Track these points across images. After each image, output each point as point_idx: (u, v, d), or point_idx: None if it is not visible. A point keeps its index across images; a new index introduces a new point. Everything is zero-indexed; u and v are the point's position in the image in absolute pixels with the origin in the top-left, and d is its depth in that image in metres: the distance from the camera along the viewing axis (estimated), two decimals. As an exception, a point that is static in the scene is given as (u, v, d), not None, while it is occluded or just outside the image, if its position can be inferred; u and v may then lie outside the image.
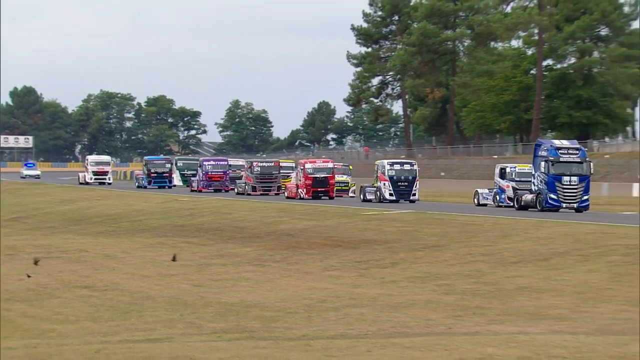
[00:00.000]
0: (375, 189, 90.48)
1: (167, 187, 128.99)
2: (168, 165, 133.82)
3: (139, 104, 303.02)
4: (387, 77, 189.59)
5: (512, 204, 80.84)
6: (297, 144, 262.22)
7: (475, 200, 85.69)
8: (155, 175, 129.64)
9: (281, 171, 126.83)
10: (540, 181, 73.28)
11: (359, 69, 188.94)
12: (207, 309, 44.53)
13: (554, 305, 44.47)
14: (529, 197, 74.74)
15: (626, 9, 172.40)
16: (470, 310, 43.92)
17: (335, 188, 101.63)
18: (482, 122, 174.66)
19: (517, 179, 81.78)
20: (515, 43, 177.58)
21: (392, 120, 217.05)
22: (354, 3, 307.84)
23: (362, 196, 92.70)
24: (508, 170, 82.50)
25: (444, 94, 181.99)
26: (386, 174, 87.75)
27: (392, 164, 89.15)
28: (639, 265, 52.04)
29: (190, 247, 69.45)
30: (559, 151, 72.07)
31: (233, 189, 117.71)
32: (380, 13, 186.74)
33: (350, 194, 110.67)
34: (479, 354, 31.86)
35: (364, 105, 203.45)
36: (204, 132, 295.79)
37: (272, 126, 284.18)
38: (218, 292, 50.67)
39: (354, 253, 63.50)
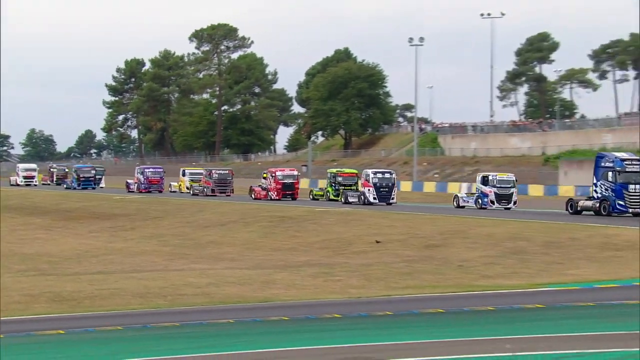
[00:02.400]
0: (358, 193, 70.76)
1: (91, 188, 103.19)
2: (93, 172, 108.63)
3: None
4: (128, 115, 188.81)
5: (493, 206, 63.61)
6: (72, 155, 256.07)
7: (455, 202, 67.12)
8: (84, 179, 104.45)
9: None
10: (606, 189, 55.29)
11: (110, 110, 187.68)
12: (14, 257, 43.87)
13: (229, 252, 44.79)
14: (588, 203, 57.48)
15: (270, 77, 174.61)
16: (179, 255, 43.91)
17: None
18: (186, 143, 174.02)
19: (498, 186, 64.26)
20: (205, 95, 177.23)
21: (131, 142, 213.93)
22: (109, 69, 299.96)
23: (343, 199, 71.49)
24: (490, 177, 64.95)
25: (163, 126, 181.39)
26: (370, 181, 69.15)
27: (375, 173, 70.64)
28: (279, 227, 52.67)
29: (4, 219, 67.38)
30: (625, 162, 55.23)
31: (165, 190, 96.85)
32: (123, 76, 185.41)
33: None
34: (184, 281, 32.02)
35: (114, 132, 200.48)
36: (12, 147, 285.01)
37: (56, 144, 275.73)
38: (21, 246, 50.00)
39: (108, 222, 62.95)
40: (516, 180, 66.10)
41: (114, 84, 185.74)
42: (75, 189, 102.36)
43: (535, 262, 36.33)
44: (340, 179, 75.32)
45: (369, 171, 71.22)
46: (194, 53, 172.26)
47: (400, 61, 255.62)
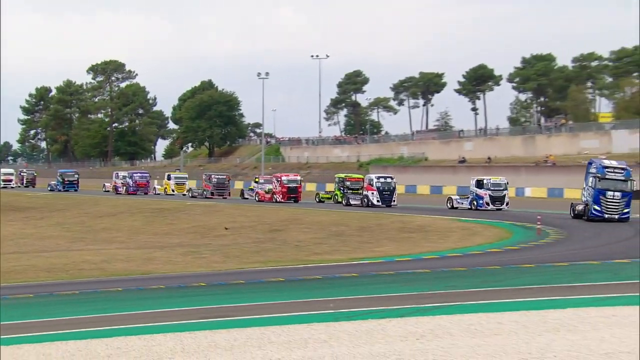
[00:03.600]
0: (361, 196, 59.72)
1: (74, 190, 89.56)
2: (76, 176, 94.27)
3: None
4: (38, 130, 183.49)
5: (489, 208, 53.47)
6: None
7: (449, 204, 56.35)
8: (68, 182, 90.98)
9: None
10: (589, 194, 44.02)
11: (24, 126, 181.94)
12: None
13: (118, 236, 43.95)
14: (580, 207, 47.30)
15: (150, 101, 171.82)
16: (78, 239, 42.88)
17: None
18: (85, 152, 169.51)
19: (492, 188, 54.08)
20: (100, 115, 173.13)
21: (41, 151, 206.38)
22: (23, 93, 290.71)
23: (344, 202, 61.30)
24: (485, 181, 54.23)
25: (66, 138, 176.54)
26: (374, 185, 58.27)
27: (378, 178, 59.69)
28: (158, 217, 51.91)
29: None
30: (606, 169, 43.33)
31: (150, 192, 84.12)
32: (34, 100, 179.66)
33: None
34: (83, 259, 31.39)
35: (26, 143, 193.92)
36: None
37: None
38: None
39: (22, 213, 60.81)
40: (507, 183, 55.78)
41: (27, 105, 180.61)
42: (60, 190, 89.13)
43: (352, 242, 36.90)
44: (348, 183, 63.12)
45: (373, 176, 61.07)
46: (90, 82, 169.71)
47: (252, 90, 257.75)
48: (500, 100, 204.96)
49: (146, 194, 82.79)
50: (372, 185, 58.58)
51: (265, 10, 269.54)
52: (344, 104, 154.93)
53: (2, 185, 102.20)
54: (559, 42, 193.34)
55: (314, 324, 15.52)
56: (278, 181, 66.91)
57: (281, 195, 65.48)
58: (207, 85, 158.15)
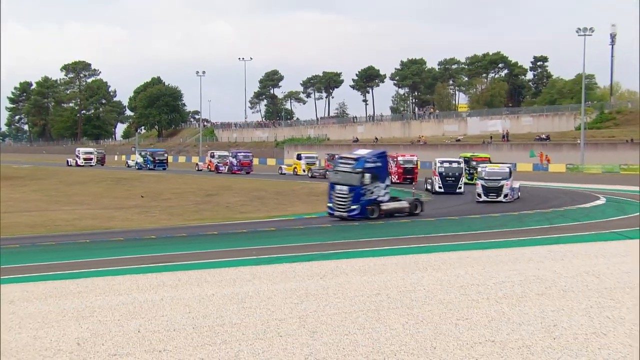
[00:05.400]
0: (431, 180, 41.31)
1: (162, 169, 73.11)
2: (165, 155, 78.15)
3: None
4: (22, 116, 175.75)
5: (480, 200, 34.60)
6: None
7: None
8: (159, 161, 74.41)
9: None
10: None
11: (10, 112, 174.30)
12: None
13: (86, 199, 42.48)
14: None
15: (111, 93, 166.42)
16: (54, 201, 41.40)
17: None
18: (59, 133, 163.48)
19: (487, 177, 34.96)
20: (71, 104, 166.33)
21: (24, 132, 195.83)
22: (9, 86, 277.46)
23: (426, 186, 41.50)
24: (479, 169, 36.61)
25: (44, 122, 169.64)
26: (437, 170, 40.40)
27: (442, 162, 41.05)
28: (118, 184, 50.57)
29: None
30: (340, 161, 28.29)
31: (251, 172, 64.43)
32: (18, 92, 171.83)
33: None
34: (58, 217, 30.50)
35: (12, 126, 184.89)
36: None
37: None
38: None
39: (9, 181, 57.84)
40: (510, 172, 36.00)
41: (12, 96, 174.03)
42: (150, 169, 73.22)
43: (270, 203, 36.83)
44: (474, 163, 45.73)
45: (437, 160, 42.32)
46: (63, 78, 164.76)
47: (192, 85, 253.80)
48: (384, 94, 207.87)
49: (248, 173, 64.32)
50: (435, 170, 41.25)
51: (203, 22, 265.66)
52: (264, 96, 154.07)
53: (83, 163, 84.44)
54: (428, 49, 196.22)
55: (240, 267, 15.51)
56: (394, 161, 48.67)
57: (397, 176, 48.26)
58: (157, 81, 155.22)
